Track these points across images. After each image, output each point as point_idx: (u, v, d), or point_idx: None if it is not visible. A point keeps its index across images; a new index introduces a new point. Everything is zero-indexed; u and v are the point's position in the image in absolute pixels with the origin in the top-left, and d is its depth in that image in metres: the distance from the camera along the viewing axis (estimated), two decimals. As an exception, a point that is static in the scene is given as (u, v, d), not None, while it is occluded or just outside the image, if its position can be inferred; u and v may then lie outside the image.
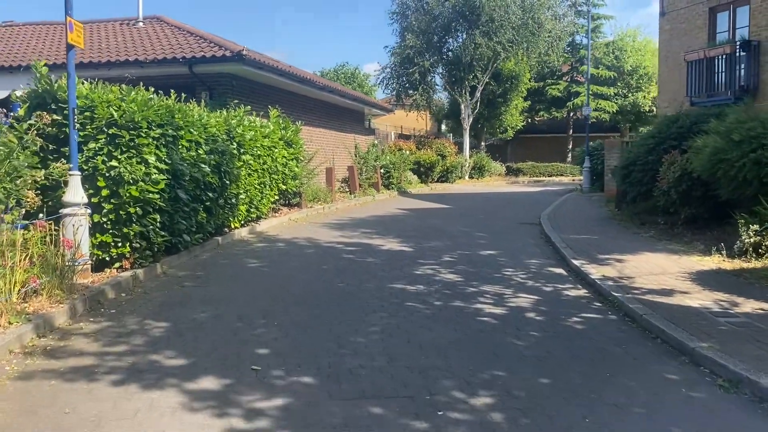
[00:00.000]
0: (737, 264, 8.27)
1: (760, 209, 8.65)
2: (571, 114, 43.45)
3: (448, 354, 5.21)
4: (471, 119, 34.58)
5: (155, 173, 7.91)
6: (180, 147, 8.87)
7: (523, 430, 3.87)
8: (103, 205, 7.59)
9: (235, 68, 14.71)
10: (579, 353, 5.27)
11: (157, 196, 7.88)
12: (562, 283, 7.95)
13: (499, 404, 4.24)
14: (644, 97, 41.15)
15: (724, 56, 14.11)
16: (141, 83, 8.97)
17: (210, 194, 9.67)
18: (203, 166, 9.32)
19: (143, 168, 7.78)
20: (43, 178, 7.03)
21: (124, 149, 7.74)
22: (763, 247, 8.30)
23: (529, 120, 44.08)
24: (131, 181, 7.60)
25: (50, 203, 7.28)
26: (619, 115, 41.72)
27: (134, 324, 6.04)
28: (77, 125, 7.35)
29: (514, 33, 31.07)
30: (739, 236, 8.67)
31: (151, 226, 7.92)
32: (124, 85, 8.38)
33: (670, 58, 16.97)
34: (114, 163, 7.60)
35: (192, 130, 9.37)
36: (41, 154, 7.40)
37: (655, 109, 37.44)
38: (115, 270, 7.70)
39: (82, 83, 7.98)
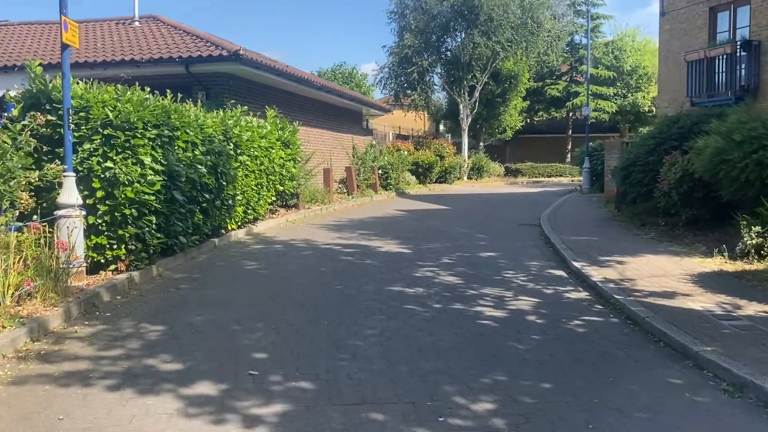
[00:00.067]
0: (739, 266, 8.20)
1: (762, 210, 8.59)
2: (571, 114, 43.43)
3: (448, 358, 5.13)
4: (469, 119, 34.51)
5: (151, 174, 7.83)
6: (176, 148, 8.79)
7: (525, 437, 3.80)
8: (98, 206, 7.50)
9: (232, 68, 14.62)
10: (581, 357, 5.20)
11: (152, 197, 7.80)
12: (562, 285, 7.88)
13: (500, 410, 4.16)
14: (644, 97, 41.13)
15: (724, 56, 14.06)
16: (137, 83, 8.89)
17: (206, 195, 9.58)
18: (199, 167, 9.23)
19: (139, 169, 7.69)
20: (37, 179, 6.95)
21: (120, 150, 7.65)
22: (765, 249, 8.24)
23: (528, 120, 44.06)
24: (127, 182, 7.52)
25: (44, 205, 7.19)
26: (618, 116, 41.69)
27: (130, 327, 5.95)
28: (72, 126, 7.25)
29: (513, 32, 31.02)
30: (741, 238, 8.60)
31: (146, 228, 7.83)
32: (119, 85, 8.29)
33: (670, 58, 16.92)
34: (109, 164, 7.51)
35: (188, 130, 9.28)
36: (35, 155, 7.32)
37: (654, 110, 37.44)
38: (111, 272, 7.61)
39: (77, 83, 7.90)
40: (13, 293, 5.87)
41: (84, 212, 7.20)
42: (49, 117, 7.50)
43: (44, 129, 7.41)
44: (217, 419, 3.99)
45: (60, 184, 7.13)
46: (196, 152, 9.39)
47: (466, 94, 33.81)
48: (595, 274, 7.96)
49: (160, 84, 11.57)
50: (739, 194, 9.28)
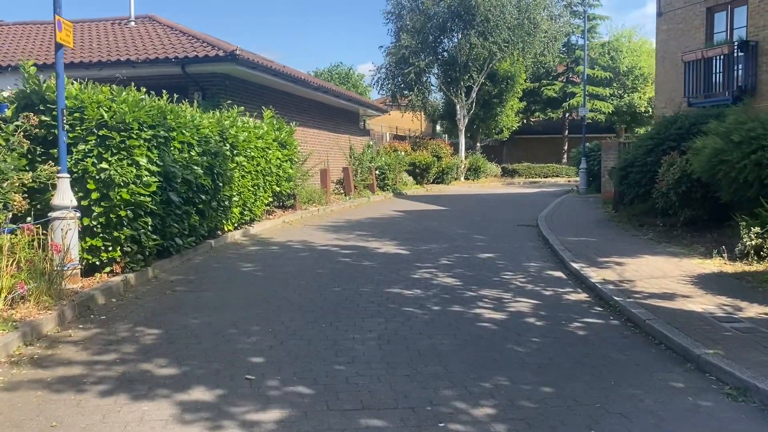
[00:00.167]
0: (739, 267, 8.16)
1: (761, 211, 8.55)
2: (567, 115, 43.46)
3: (447, 361, 5.08)
4: (466, 120, 34.48)
5: (146, 175, 7.75)
6: (172, 148, 8.71)
7: (527, 443, 3.75)
8: (93, 208, 7.41)
9: (228, 68, 14.54)
10: (582, 360, 5.14)
11: (148, 198, 7.71)
12: (561, 286, 7.83)
13: (501, 414, 4.10)
14: (640, 97, 41.17)
15: (721, 57, 14.03)
16: (132, 84, 8.81)
17: (203, 196, 9.50)
18: (196, 168, 9.15)
19: (134, 170, 7.61)
20: (30, 180, 6.86)
21: (115, 151, 7.56)
22: (765, 250, 8.20)
23: (525, 121, 44.06)
24: (122, 183, 7.43)
25: (38, 207, 7.10)
26: (614, 116, 41.72)
27: (125, 331, 5.87)
28: (66, 126, 7.17)
29: (509, 33, 31.00)
30: (740, 239, 8.56)
31: (142, 230, 7.75)
32: (114, 86, 8.21)
33: (667, 58, 16.90)
34: (104, 165, 7.43)
35: (184, 131, 9.20)
36: (29, 157, 7.24)
37: (651, 110, 37.52)
38: (106, 275, 7.53)
39: (72, 83, 7.81)
40: (6, 296, 5.79)
41: (78, 214, 7.11)
42: (43, 118, 7.41)
43: (38, 130, 7.32)
44: (214, 425, 3.92)
45: (54, 186, 7.04)
46: (192, 153, 9.31)
47: (463, 94, 33.78)
48: (594, 275, 7.91)
49: (156, 84, 11.48)
50: (738, 195, 9.24)
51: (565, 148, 42.99)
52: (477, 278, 8.21)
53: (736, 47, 13.78)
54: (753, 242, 8.31)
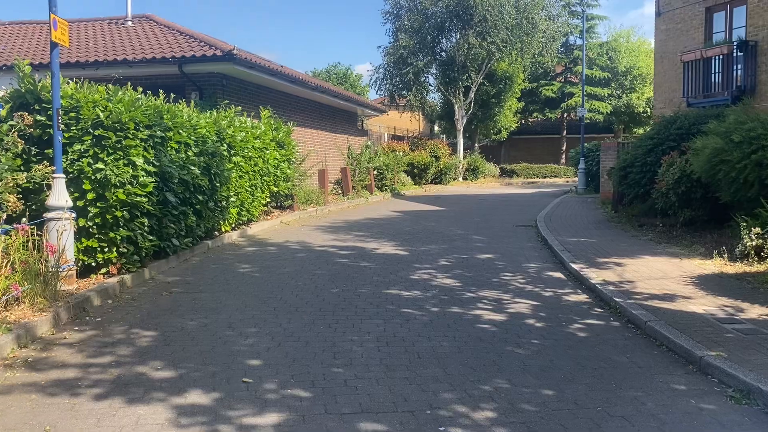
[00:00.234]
0: (739, 268, 8.11)
1: (762, 211, 8.52)
2: (565, 115, 43.46)
3: (447, 364, 5.02)
4: (465, 120, 34.44)
5: (143, 176, 7.68)
6: (169, 148, 8.64)
7: (529, 448, 3.69)
8: (88, 208, 7.34)
9: (225, 68, 14.47)
10: (583, 362, 5.09)
11: (144, 199, 7.64)
12: (561, 287, 7.78)
13: (502, 418, 4.05)
14: (638, 98, 41.20)
15: (721, 56, 14.00)
16: (129, 83, 8.74)
17: (200, 197, 9.43)
18: (193, 168, 9.08)
19: (130, 170, 7.54)
20: (25, 181, 6.78)
21: (111, 151, 7.49)
22: (765, 251, 8.15)
23: (523, 121, 44.06)
24: (118, 183, 7.36)
25: (33, 207, 7.03)
26: (613, 116, 41.74)
27: (120, 333, 5.80)
28: (62, 126, 7.09)
29: (508, 33, 30.97)
30: (741, 239, 8.52)
31: (138, 230, 7.68)
32: (110, 85, 8.13)
33: (666, 58, 16.87)
34: (100, 165, 7.36)
35: (181, 131, 9.13)
36: (24, 157, 7.16)
37: (649, 110, 37.53)
38: (102, 276, 7.46)
39: (67, 83, 7.74)
40: (0, 298, 5.71)
41: (74, 214, 7.04)
42: (39, 117, 7.34)
43: (34, 130, 7.26)
44: (210, 430, 3.86)
45: (49, 186, 6.97)
46: (189, 153, 9.24)
47: (461, 94, 33.75)
48: (594, 276, 7.86)
49: (153, 84, 11.44)
50: (738, 195, 9.20)
51: (564, 148, 42.99)
52: (476, 279, 8.15)
53: (735, 47, 13.75)
54: (753, 243, 8.26)
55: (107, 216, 7.38)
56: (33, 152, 7.30)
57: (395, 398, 4.34)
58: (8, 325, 5.41)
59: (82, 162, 7.35)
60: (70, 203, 6.98)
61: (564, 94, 41.95)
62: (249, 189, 12.14)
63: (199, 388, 4.48)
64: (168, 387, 4.51)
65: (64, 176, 6.99)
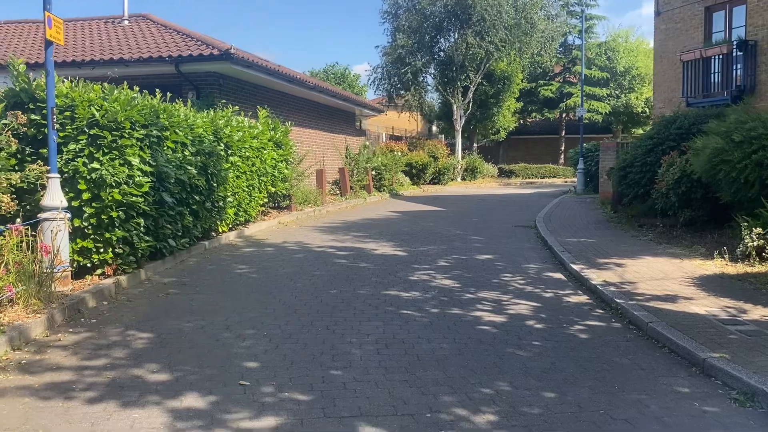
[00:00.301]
0: (741, 268, 8.05)
1: (763, 212, 8.46)
2: (564, 115, 43.44)
3: (447, 366, 4.95)
4: (463, 120, 34.39)
5: (139, 175, 7.59)
6: (165, 148, 8.55)
7: (531, 452, 3.62)
8: (84, 209, 7.25)
9: (222, 67, 14.39)
10: (585, 364, 5.02)
11: (140, 199, 7.56)
12: (561, 288, 7.71)
13: (504, 422, 3.98)
14: (637, 98, 41.20)
15: (720, 56, 13.94)
16: (125, 82, 8.66)
17: (196, 197, 9.34)
18: (189, 168, 8.99)
19: (126, 170, 7.45)
20: (19, 181, 6.70)
21: (107, 150, 7.41)
22: (766, 251, 8.10)
23: (522, 121, 44.03)
24: (114, 183, 7.28)
25: (28, 207, 6.94)
26: (611, 117, 41.73)
27: (116, 335, 5.72)
28: (57, 126, 7.01)
29: (506, 33, 30.93)
30: (741, 239, 8.46)
31: (134, 231, 7.59)
32: (106, 84, 8.05)
33: (665, 58, 16.82)
34: (95, 165, 7.27)
35: (178, 130, 9.05)
36: (18, 156, 7.07)
37: (648, 111, 37.53)
38: (97, 277, 7.37)
39: (63, 81, 7.65)
40: (-7, 300, 5.63)
41: (69, 215, 6.95)
42: (33, 116, 7.26)
43: (28, 129, 7.17)
44: (206, 434, 3.79)
45: (43, 186, 6.88)
46: (185, 153, 9.16)
47: (460, 94, 33.70)
48: (595, 277, 7.79)
49: (150, 84, 11.36)
50: (739, 195, 9.15)
51: (562, 148, 42.97)
52: (476, 280, 8.09)
53: (734, 47, 13.68)
54: (755, 243, 8.20)
55: (103, 216, 7.30)
56: (27, 152, 7.21)
57: (395, 401, 4.27)
58: (1, 327, 5.33)
59: (78, 162, 7.26)
60: (65, 203, 6.89)
61: (562, 94, 41.93)
62: (246, 189, 12.05)
63: (195, 391, 4.40)
64: (164, 390, 4.43)
65: (58, 176, 6.90)
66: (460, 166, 34.21)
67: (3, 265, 5.88)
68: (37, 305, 5.91)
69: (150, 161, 7.93)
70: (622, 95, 41.53)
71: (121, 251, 7.49)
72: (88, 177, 7.23)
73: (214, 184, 10.09)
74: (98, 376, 4.69)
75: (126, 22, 17.43)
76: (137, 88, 8.64)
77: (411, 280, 8.07)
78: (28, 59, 13.99)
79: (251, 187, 12.34)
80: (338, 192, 20.39)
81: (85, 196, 7.23)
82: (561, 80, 43.21)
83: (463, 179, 34.30)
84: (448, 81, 33.45)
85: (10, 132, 6.76)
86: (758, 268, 7.94)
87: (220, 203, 10.58)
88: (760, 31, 13.28)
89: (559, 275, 8.49)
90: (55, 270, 6.47)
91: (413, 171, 28.47)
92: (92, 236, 7.33)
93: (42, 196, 6.82)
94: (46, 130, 6.98)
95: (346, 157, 22.11)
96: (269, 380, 4.61)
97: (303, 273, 8.50)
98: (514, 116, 40.33)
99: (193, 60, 13.98)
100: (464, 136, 36.52)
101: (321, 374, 4.74)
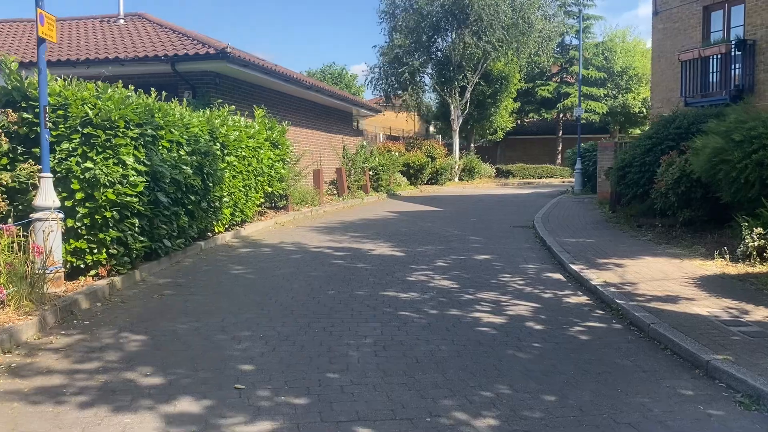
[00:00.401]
0: (741, 268, 7.98)
1: (763, 212, 8.40)
2: (561, 115, 43.41)
3: (446, 369, 4.86)
4: (460, 120, 34.32)
5: (133, 175, 7.48)
6: (160, 147, 8.44)
7: (533, 458, 3.53)
8: (77, 209, 7.13)
9: (219, 66, 14.28)
10: (586, 367, 4.94)
11: (135, 199, 7.45)
12: (561, 289, 7.63)
13: (505, 426, 3.89)
14: (634, 98, 41.19)
15: (719, 56, 13.88)
16: (120, 81, 8.55)
17: (192, 197, 9.24)
18: (185, 167, 8.88)
19: (120, 169, 7.34)
20: (10, 180, 6.58)
21: (100, 150, 7.30)
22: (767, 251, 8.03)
23: (519, 121, 43.99)
24: (108, 183, 7.16)
25: (20, 207, 6.83)
26: (608, 117, 41.71)
27: (109, 337, 5.62)
28: (49, 124, 6.90)
29: (503, 33, 30.87)
30: (742, 239, 8.39)
31: (129, 231, 7.49)
32: (100, 82, 7.94)
33: (663, 57, 16.77)
34: (89, 164, 7.16)
35: (173, 129, 8.94)
36: (10, 155, 6.96)
37: (645, 111, 37.52)
38: (91, 278, 7.25)
39: (56, 80, 7.54)
40: (-17, 302, 5.52)
41: (62, 215, 6.84)
42: (25, 115, 7.15)
43: (20, 128, 7.06)
44: (200, 440, 3.69)
45: (35, 186, 6.77)
46: (181, 152, 9.05)
47: (457, 94, 33.63)
48: (595, 277, 7.71)
49: (146, 83, 11.24)
50: (739, 195, 9.08)
51: (559, 148, 42.93)
52: (474, 281, 8.00)
53: (733, 46, 13.63)
54: (755, 243, 8.14)
55: (96, 216, 7.19)
56: (19, 151, 7.10)
57: (393, 405, 4.18)
58: (-8, 330, 5.22)
59: (71, 161, 7.15)
60: (58, 203, 6.78)
61: (560, 94, 41.89)
62: (243, 189, 11.95)
63: (189, 396, 4.30)
64: (157, 394, 4.33)
65: (51, 175, 6.78)
66: (457, 167, 34.14)
67: (-6, 266, 5.77)
68: (28, 307, 5.80)
69: (145, 161, 7.83)
70: (619, 95, 41.52)
71: (115, 252, 7.38)
72: (82, 176, 7.12)
73: (210, 184, 9.98)
74: (90, 380, 4.59)
75: (121, 21, 17.32)
76: (132, 87, 8.54)
77: (409, 281, 7.98)
78: (23, 58, 13.90)
79: (248, 187, 12.24)
80: (335, 192, 20.29)
81: (79, 195, 7.11)
82: (558, 80, 43.18)
83: (461, 179, 34.23)
84: (446, 81, 33.38)
85: (1, 131, 6.64)
86: (759, 268, 7.88)
87: (216, 203, 10.48)
88: (759, 31, 13.22)
89: (558, 276, 8.41)
90: (48, 271, 6.36)
91: (410, 171, 28.39)
92: (86, 237, 7.22)
93: (34, 195, 6.71)
94: (38, 129, 6.87)
95: (344, 157, 22.01)
96: (265, 384, 4.52)
97: (300, 274, 8.41)
98: (512, 116, 40.29)
99: (189, 59, 13.87)
100: (462, 136, 36.46)
101: (318, 377, 4.65)
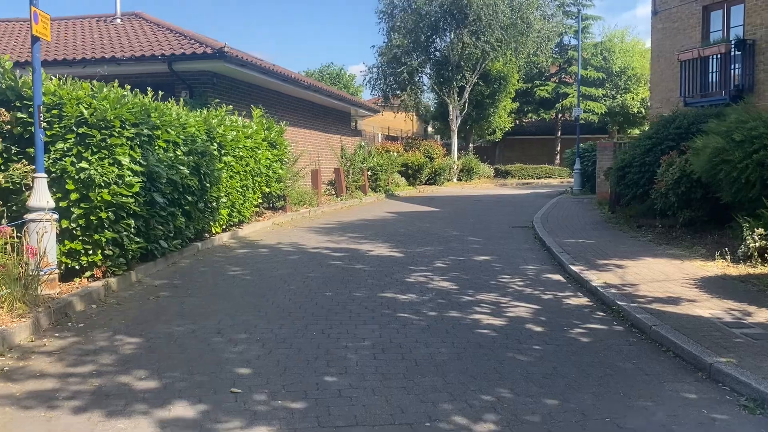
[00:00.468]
0: (743, 270, 7.92)
1: (764, 212, 8.34)
2: (560, 115, 43.37)
3: (446, 372, 4.78)
4: (459, 120, 34.26)
5: (129, 175, 7.40)
6: (156, 147, 8.36)
7: (535, 464, 3.46)
8: (72, 209, 7.05)
9: (216, 66, 14.20)
10: (587, 369, 4.87)
11: (131, 199, 7.37)
12: (561, 290, 7.56)
13: (506, 430, 3.83)
14: (632, 98, 41.16)
15: (718, 55, 13.83)
16: (116, 81, 8.46)
17: (189, 197, 9.15)
18: (181, 167, 8.80)
19: (116, 170, 7.26)
20: (3, 180, 6.50)
21: (95, 150, 7.22)
22: (769, 252, 7.97)
23: (518, 121, 43.94)
24: (103, 183, 7.08)
25: (14, 208, 6.75)
26: (607, 117, 41.68)
27: (103, 340, 5.53)
28: (44, 124, 6.81)
29: (502, 33, 30.81)
30: (743, 240, 8.33)
31: (124, 232, 7.40)
32: (95, 82, 7.86)
33: (662, 57, 16.71)
34: (84, 164, 7.08)
35: (169, 129, 8.86)
36: (4, 155, 6.88)
37: (644, 111, 37.48)
38: (86, 279, 7.17)
39: (51, 79, 7.46)
40: (-24, 304, 5.44)
41: (56, 216, 6.75)
42: (20, 115, 7.07)
43: (14, 128, 6.98)
44: (195, 446, 3.61)
45: (29, 186, 6.68)
46: (177, 152, 8.97)
47: (456, 94, 33.56)
48: (595, 278, 7.65)
49: (142, 82, 11.16)
50: (739, 195, 9.02)
51: (558, 149, 42.89)
52: (473, 282, 7.93)
53: (732, 46, 13.58)
54: (757, 244, 8.07)
55: (92, 217, 7.10)
56: (13, 151, 7.02)
57: (392, 409, 4.10)
58: (-16, 333, 5.14)
59: (65, 161, 7.07)
60: (52, 204, 6.70)
61: (558, 94, 41.85)
62: (240, 189, 11.87)
63: (184, 400, 4.22)
64: (151, 398, 4.25)
65: (45, 176, 6.70)
66: (456, 167, 34.08)
67: (-13, 267, 5.69)
68: (22, 309, 5.72)
69: (141, 161, 7.75)
70: (618, 96, 41.48)
71: (110, 253, 7.30)
72: (77, 177, 7.03)
73: (207, 185, 9.90)
74: (83, 384, 4.51)
75: (118, 20, 17.23)
76: (128, 87, 8.45)
77: (408, 282, 7.90)
78: (18, 57, 13.81)
79: (245, 188, 12.16)
80: (334, 192, 20.21)
81: (74, 196, 7.03)
82: (557, 80, 43.15)
83: (459, 180, 34.17)
84: (444, 81, 33.32)
85: (-6, 131, 6.57)
86: (761, 269, 7.82)
87: (213, 204, 10.39)
88: (759, 30, 13.18)
89: (558, 277, 8.34)
90: (42, 272, 6.28)
91: (409, 171, 28.32)
92: (81, 238, 7.14)
93: (28, 196, 6.63)
94: (32, 129, 6.77)
95: (342, 158, 21.93)
96: (262, 387, 4.44)
97: (297, 275, 8.33)
98: (510, 116, 40.24)
99: (186, 58, 13.78)
100: (460, 136, 36.39)
101: (315, 381, 4.57)
